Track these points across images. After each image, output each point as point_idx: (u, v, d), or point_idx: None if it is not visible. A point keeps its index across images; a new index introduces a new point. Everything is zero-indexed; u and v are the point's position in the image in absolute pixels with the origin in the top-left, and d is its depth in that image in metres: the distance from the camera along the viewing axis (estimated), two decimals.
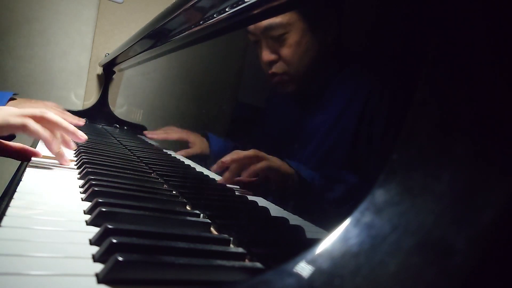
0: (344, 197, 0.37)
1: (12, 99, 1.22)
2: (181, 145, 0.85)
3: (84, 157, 0.78)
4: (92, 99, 2.05)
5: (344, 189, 0.38)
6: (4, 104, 1.11)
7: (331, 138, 0.41)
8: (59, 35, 1.99)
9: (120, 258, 0.31)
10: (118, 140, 1.23)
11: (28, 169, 0.65)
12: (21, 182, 0.55)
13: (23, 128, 0.68)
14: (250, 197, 0.51)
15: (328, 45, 0.44)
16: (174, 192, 0.66)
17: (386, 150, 0.31)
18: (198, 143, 0.76)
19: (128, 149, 1.06)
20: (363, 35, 0.40)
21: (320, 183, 0.43)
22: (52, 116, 0.73)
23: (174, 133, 0.93)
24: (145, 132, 1.14)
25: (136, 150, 1.02)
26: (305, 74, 0.48)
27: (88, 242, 0.39)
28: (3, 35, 1.87)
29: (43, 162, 0.75)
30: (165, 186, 0.71)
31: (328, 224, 0.35)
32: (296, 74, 0.50)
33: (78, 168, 0.75)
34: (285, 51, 0.50)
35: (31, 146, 0.78)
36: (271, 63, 0.52)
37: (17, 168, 0.67)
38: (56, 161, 0.76)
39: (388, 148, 0.28)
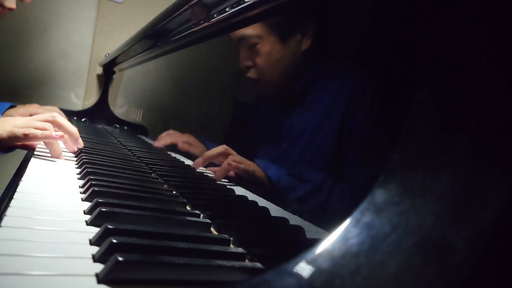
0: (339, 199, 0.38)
1: (11, 106, 1.24)
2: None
3: (84, 157, 0.78)
4: (92, 99, 2.05)
5: (340, 191, 0.38)
6: (0, 114, 1.14)
7: (324, 139, 0.41)
8: (59, 35, 1.98)
9: (120, 258, 0.31)
10: (118, 140, 1.23)
11: (28, 170, 0.65)
12: (21, 182, 0.55)
13: (26, 137, 0.78)
14: (250, 197, 0.51)
15: (304, 52, 0.45)
16: (174, 192, 0.66)
17: (385, 150, 0.31)
18: (200, 147, 0.78)
19: (128, 149, 1.06)
20: (358, 35, 0.40)
21: (287, 183, 0.45)
22: (61, 120, 0.84)
23: (177, 137, 0.95)
24: (155, 143, 1.13)
25: (136, 150, 1.02)
26: (280, 81, 0.51)
27: (88, 242, 0.39)
28: (3, 35, 1.86)
29: (44, 157, 0.75)
30: (165, 186, 0.71)
31: (328, 224, 0.35)
32: (270, 81, 0.53)
33: (78, 168, 0.75)
34: (258, 60, 0.53)
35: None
36: (247, 68, 0.55)
37: (17, 169, 0.67)
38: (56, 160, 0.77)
39: (387, 149, 0.28)
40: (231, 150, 0.59)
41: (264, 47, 0.51)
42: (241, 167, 0.55)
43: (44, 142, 0.83)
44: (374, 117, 0.35)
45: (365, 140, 0.36)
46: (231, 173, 0.57)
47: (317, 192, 0.40)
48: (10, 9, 1.08)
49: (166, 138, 0.98)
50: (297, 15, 0.48)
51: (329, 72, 0.43)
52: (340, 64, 0.42)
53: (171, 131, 0.95)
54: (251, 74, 0.55)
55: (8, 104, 1.23)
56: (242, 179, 0.55)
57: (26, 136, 0.78)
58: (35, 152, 0.81)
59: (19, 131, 0.78)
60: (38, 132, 0.79)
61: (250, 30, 0.55)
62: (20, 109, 1.22)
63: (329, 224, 0.35)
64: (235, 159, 0.56)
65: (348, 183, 0.37)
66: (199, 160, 0.67)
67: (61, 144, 0.86)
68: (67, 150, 0.89)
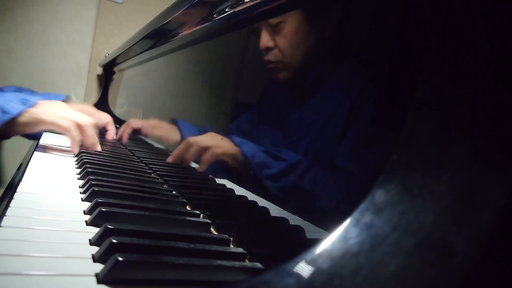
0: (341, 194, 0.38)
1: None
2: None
3: (84, 157, 0.78)
4: (92, 99, 2.05)
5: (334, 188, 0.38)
6: None
7: (323, 134, 0.41)
8: (59, 35, 1.99)
9: (120, 258, 0.31)
10: (118, 140, 1.23)
11: (28, 170, 0.65)
12: (21, 182, 0.55)
13: (65, 130, 0.85)
14: (250, 197, 0.51)
15: (325, 40, 0.45)
16: (174, 192, 0.66)
17: (385, 150, 0.31)
18: (169, 131, 0.79)
19: (128, 149, 1.06)
20: (364, 33, 0.40)
21: (261, 160, 0.46)
22: (89, 132, 0.90)
23: (149, 129, 0.97)
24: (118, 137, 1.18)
25: (136, 150, 1.02)
26: (299, 65, 0.49)
27: (88, 242, 0.39)
28: (3, 35, 1.86)
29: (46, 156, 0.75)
30: (165, 186, 0.71)
31: (328, 224, 0.35)
32: (290, 64, 0.51)
33: (78, 167, 0.75)
34: (281, 40, 0.51)
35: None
36: (268, 49, 0.53)
37: (17, 168, 0.67)
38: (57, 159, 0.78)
39: (387, 149, 0.28)
40: (193, 140, 0.60)
41: (289, 26, 0.49)
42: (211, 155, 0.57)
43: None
44: (375, 117, 0.35)
45: (365, 140, 0.36)
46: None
47: (292, 170, 0.40)
48: None
49: (125, 128, 1.01)
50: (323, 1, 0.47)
51: (334, 71, 0.43)
52: (343, 63, 0.42)
53: (130, 120, 0.97)
54: (271, 56, 0.52)
55: (62, 96, 1.27)
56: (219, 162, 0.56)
57: (65, 130, 0.84)
58: (34, 152, 0.81)
59: (63, 123, 0.83)
60: (77, 136, 0.84)
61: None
62: (73, 106, 1.22)
63: (329, 224, 0.35)
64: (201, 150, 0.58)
65: (348, 183, 0.37)
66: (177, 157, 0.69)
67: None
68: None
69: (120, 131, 1.22)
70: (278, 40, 0.51)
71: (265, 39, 0.53)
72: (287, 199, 0.40)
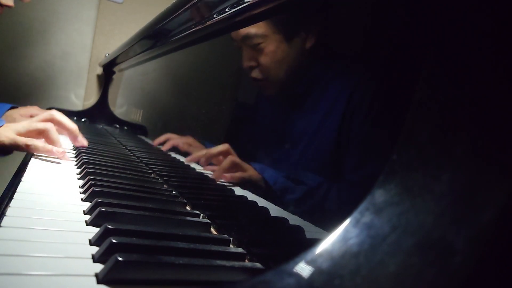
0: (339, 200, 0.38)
1: (12, 107, 1.25)
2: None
3: (84, 157, 0.78)
4: (92, 99, 2.05)
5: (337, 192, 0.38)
6: (1, 115, 1.15)
7: (324, 140, 0.41)
8: (59, 35, 1.98)
9: (120, 258, 0.31)
10: (118, 140, 1.23)
11: (28, 170, 0.65)
12: (21, 182, 0.55)
13: (27, 148, 0.78)
14: (250, 197, 0.51)
15: (308, 51, 0.45)
16: (174, 192, 0.66)
17: (384, 151, 0.31)
18: (199, 147, 0.77)
19: (128, 149, 1.06)
20: (359, 35, 0.40)
21: (283, 185, 0.45)
22: (60, 118, 0.86)
23: (178, 139, 0.95)
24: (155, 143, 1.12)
25: (136, 150, 1.02)
26: (285, 80, 0.50)
27: (88, 242, 0.39)
28: (3, 35, 1.86)
29: (45, 159, 0.75)
30: (165, 186, 0.71)
31: (328, 224, 0.35)
32: (276, 80, 0.52)
33: (78, 168, 0.75)
34: (262, 59, 0.52)
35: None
36: (251, 68, 0.54)
37: (17, 169, 0.67)
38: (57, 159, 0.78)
39: (387, 149, 0.28)
40: (231, 151, 0.58)
41: (268, 46, 0.50)
42: (237, 176, 0.55)
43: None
44: (375, 117, 0.35)
45: (365, 140, 0.36)
46: (228, 177, 0.58)
47: (314, 193, 0.40)
48: (8, 6, 1.07)
49: (167, 144, 0.97)
50: (301, 13, 0.47)
51: (330, 73, 0.43)
52: (341, 64, 0.42)
53: (170, 135, 0.94)
54: (255, 74, 0.53)
55: (8, 106, 1.24)
56: (239, 184, 0.55)
57: (27, 147, 0.79)
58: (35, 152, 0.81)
59: (21, 141, 0.78)
60: (40, 145, 0.79)
61: (254, 29, 0.54)
62: (21, 110, 1.23)
63: (329, 224, 0.35)
64: (232, 164, 0.56)
65: (348, 184, 0.37)
66: (200, 156, 0.67)
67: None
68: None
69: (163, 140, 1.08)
70: (260, 59, 0.52)
71: (247, 59, 0.54)
72: (308, 213, 0.40)
